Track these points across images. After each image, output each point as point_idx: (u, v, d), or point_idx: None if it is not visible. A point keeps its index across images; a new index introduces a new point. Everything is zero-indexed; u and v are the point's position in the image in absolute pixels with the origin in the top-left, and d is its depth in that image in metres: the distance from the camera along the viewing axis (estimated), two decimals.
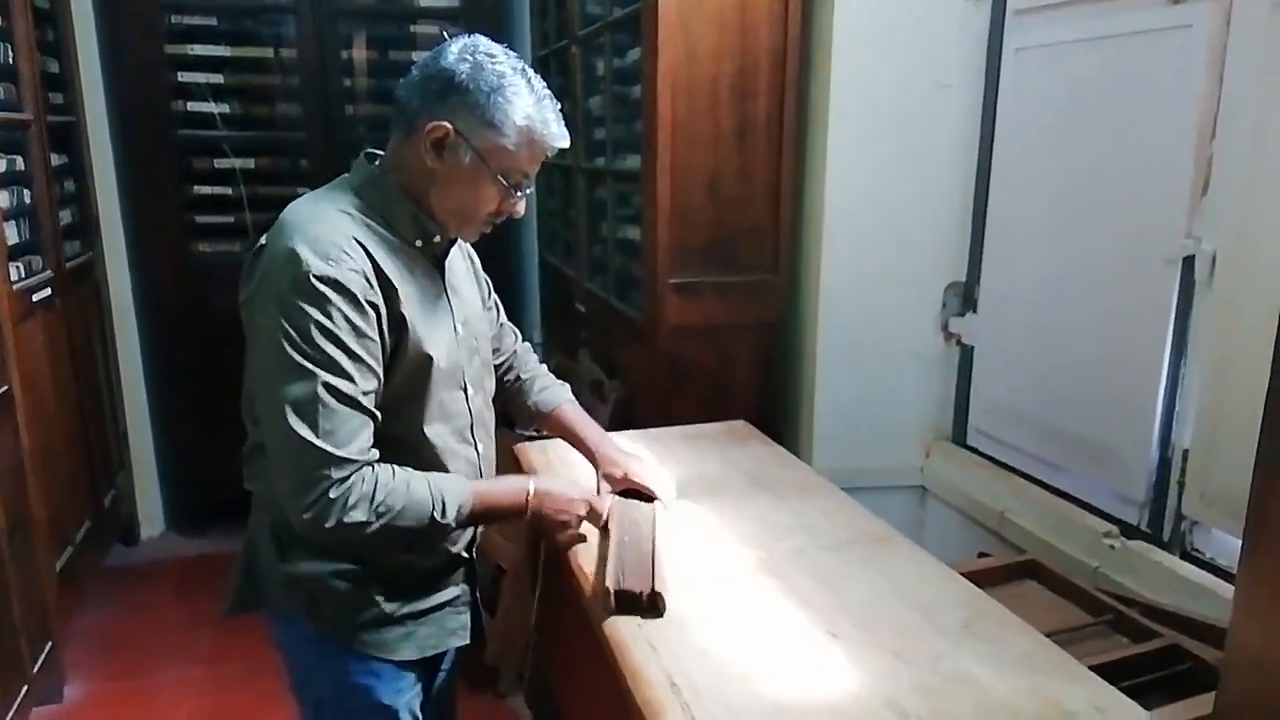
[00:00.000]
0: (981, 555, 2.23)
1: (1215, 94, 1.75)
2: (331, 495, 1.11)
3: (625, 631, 1.13)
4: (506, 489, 1.33)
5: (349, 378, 1.12)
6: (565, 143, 1.25)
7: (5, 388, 2.31)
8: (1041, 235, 2.22)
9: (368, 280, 1.15)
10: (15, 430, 2.36)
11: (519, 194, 1.25)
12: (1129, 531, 1.98)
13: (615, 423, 2.50)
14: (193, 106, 3.41)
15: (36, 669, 2.40)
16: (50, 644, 2.49)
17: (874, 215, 2.44)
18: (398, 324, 1.19)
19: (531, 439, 1.79)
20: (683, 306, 2.39)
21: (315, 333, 1.10)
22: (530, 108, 1.20)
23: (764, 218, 2.42)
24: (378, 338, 1.16)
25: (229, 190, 3.47)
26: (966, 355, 2.52)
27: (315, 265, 1.11)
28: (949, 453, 2.53)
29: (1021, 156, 2.30)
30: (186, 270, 3.47)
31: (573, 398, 1.63)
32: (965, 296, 2.52)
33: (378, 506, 1.14)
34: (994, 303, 2.41)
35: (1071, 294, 2.13)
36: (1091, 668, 1.53)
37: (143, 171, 3.40)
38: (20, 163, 2.70)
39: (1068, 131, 2.13)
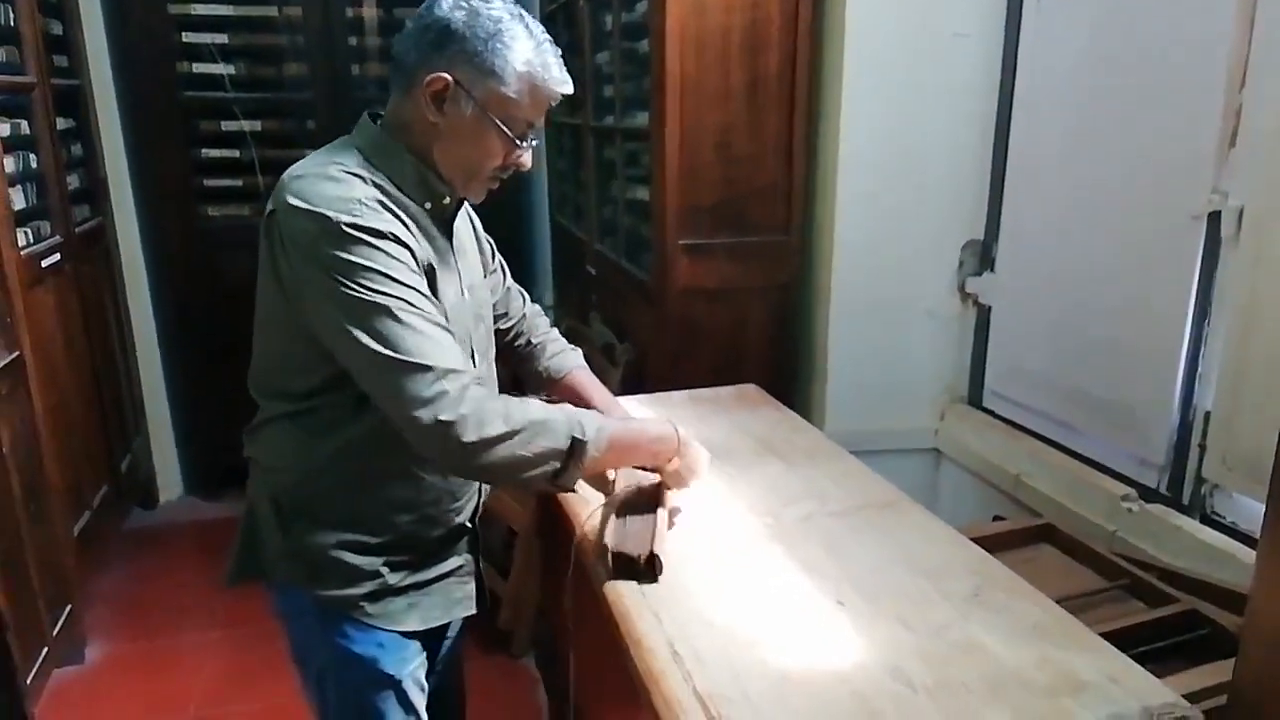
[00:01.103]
0: (996, 519, 2.20)
1: (1246, 40, 1.68)
2: (461, 411, 1.05)
3: (629, 600, 1.12)
4: (645, 424, 1.31)
5: (414, 304, 1.08)
6: (568, 88, 1.20)
7: (16, 354, 2.32)
8: (1062, 192, 2.16)
9: (400, 228, 1.13)
10: (28, 396, 2.37)
11: (525, 145, 1.21)
12: (1148, 495, 1.94)
13: (626, 386, 2.48)
14: (198, 68, 3.37)
15: (56, 632, 2.44)
16: (69, 607, 2.53)
17: (889, 173, 2.38)
18: (427, 274, 1.17)
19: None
20: (693, 268, 2.35)
21: (363, 275, 1.07)
22: (530, 53, 1.15)
23: (775, 176, 2.36)
24: (422, 276, 1.14)
25: (237, 153, 3.44)
26: (983, 316, 2.47)
27: (343, 218, 1.08)
28: (964, 415, 2.49)
29: (1042, 110, 2.22)
30: (197, 234, 3.46)
31: (584, 363, 1.60)
32: (983, 256, 2.46)
33: (511, 416, 1.08)
34: (1012, 262, 2.36)
35: (1092, 253, 2.07)
36: (1107, 633, 1.51)
37: (150, 135, 3.37)
38: (25, 127, 2.68)
39: (1090, 83, 2.05)
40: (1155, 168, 1.89)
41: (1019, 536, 1.93)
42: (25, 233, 2.59)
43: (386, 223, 1.11)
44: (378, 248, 1.08)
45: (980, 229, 2.45)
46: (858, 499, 1.39)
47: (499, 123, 1.16)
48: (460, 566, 1.38)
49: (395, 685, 1.33)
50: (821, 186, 2.45)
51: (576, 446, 1.12)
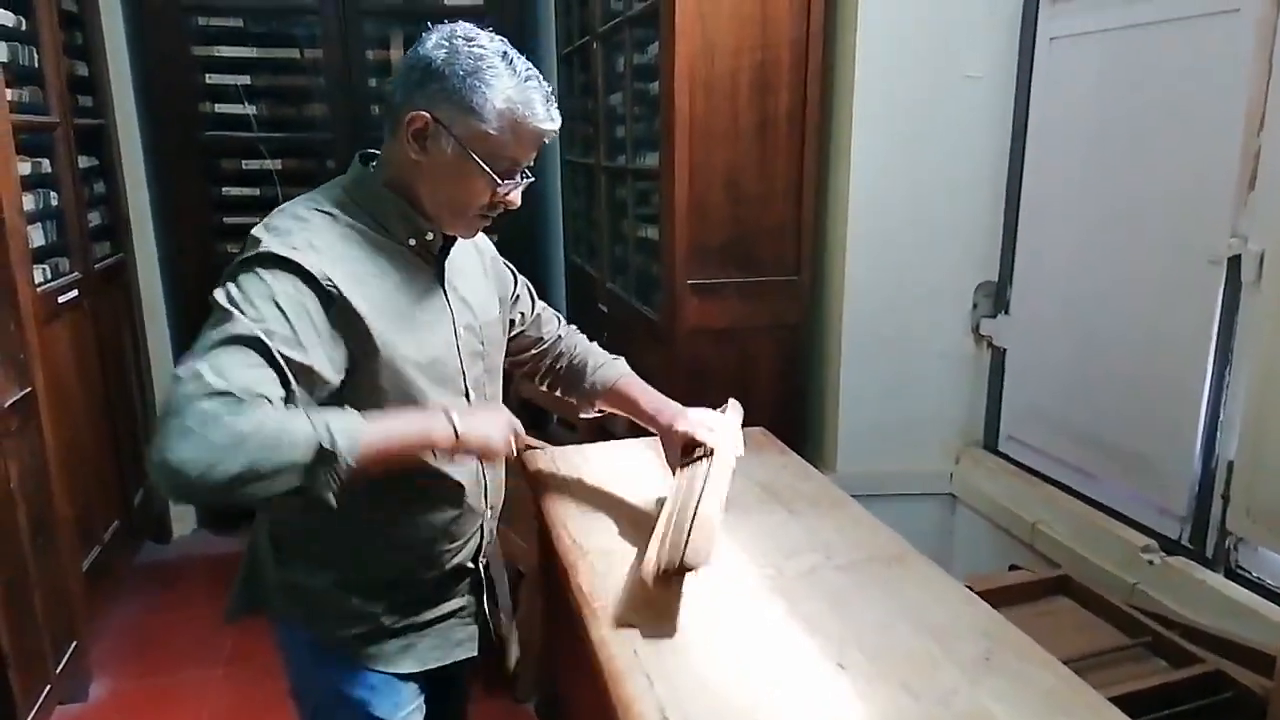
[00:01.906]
0: (1013, 568, 2.14)
1: (1264, 82, 1.65)
2: (204, 405, 0.94)
3: (621, 660, 1.08)
4: (409, 415, 1.15)
5: (272, 335, 1.01)
6: (552, 125, 1.17)
7: (28, 390, 2.33)
8: (1078, 233, 2.13)
9: (330, 280, 1.09)
10: (39, 431, 2.37)
11: (511, 183, 1.19)
12: (1169, 547, 1.88)
13: (633, 428, 2.45)
14: (221, 108, 3.43)
15: (60, 668, 2.43)
16: (75, 643, 2.52)
17: (900, 213, 2.36)
18: (362, 330, 1.11)
19: (595, 417, 1.72)
20: (701, 308, 2.34)
21: (253, 292, 1.04)
22: (511, 89, 1.13)
23: (785, 216, 2.35)
24: (331, 330, 1.08)
25: (257, 191, 3.48)
26: (998, 358, 2.43)
27: (275, 246, 1.08)
28: (979, 459, 2.44)
29: (1056, 151, 2.20)
30: (216, 270, 3.47)
31: (629, 370, 1.58)
32: (997, 297, 2.43)
33: (246, 419, 0.95)
34: (1027, 303, 2.32)
35: (1109, 295, 2.03)
36: (1127, 695, 1.46)
37: (172, 173, 3.43)
38: (47, 165, 2.72)
39: (1105, 124, 2.03)
40: (1172, 210, 1.85)
41: (1035, 588, 1.88)
42: (43, 269, 2.63)
43: (318, 263, 1.08)
44: (284, 278, 1.06)
45: (994, 270, 2.42)
46: (863, 551, 1.34)
47: (481, 160, 1.15)
48: (461, 608, 1.36)
49: None
50: (832, 226, 2.43)
51: (323, 456, 0.99)
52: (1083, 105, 2.08)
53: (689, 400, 2.40)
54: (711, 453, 1.42)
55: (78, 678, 2.54)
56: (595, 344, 1.62)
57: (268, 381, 1.00)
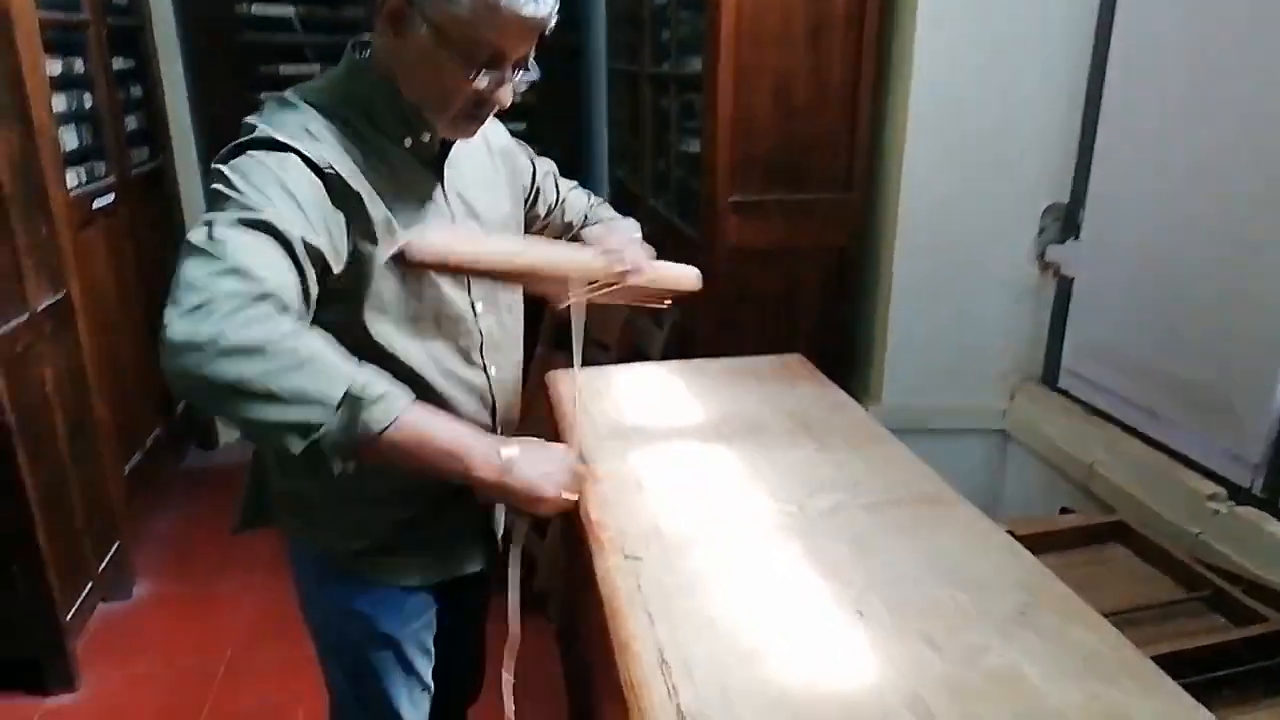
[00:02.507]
0: (1064, 511, 2.02)
1: None
2: (222, 301, 0.84)
3: (623, 594, 1.01)
4: (463, 428, 1.04)
5: (282, 218, 0.93)
6: (535, 10, 1.03)
7: (63, 294, 2.33)
8: (1162, 156, 1.92)
9: (330, 165, 1.00)
10: (75, 336, 2.38)
11: (493, 76, 1.06)
12: (1238, 496, 1.73)
13: (669, 351, 2.36)
14: (259, 9, 3.33)
15: (103, 567, 2.49)
16: (117, 543, 2.57)
17: (965, 126, 2.17)
18: (364, 216, 1.04)
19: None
20: (743, 227, 2.20)
21: (256, 176, 0.95)
22: None
23: (838, 128, 2.18)
24: (334, 212, 1.01)
25: None
26: (1064, 287, 2.25)
27: (272, 132, 1.00)
28: (1036, 396, 2.29)
29: (1143, 61, 1.97)
30: None
31: (607, 212, 1.48)
32: (1067, 221, 2.23)
33: (276, 334, 0.86)
34: (1101, 229, 2.13)
35: (1194, 225, 1.84)
36: (1180, 652, 1.35)
37: (210, 77, 3.36)
38: (80, 65, 2.67)
39: (1198, 39, 1.80)
40: (1271, 125, 1.64)
41: (1088, 534, 1.76)
42: (77, 173, 2.59)
43: (315, 146, 1.00)
44: (281, 159, 0.98)
45: (1065, 191, 2.22)
46: (896, 491, 1.24)
47: (457, 47, 1.03)
48: (469, 524, 1.31)
49: (393, 645, 1.28)
50: (888, 140, 2.25)
51: (353, 405, 0.89)
52: (1174, 16, 1.85)
53: (728, 324, 2.30)
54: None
55: (121, 577, 2.61)
56: (587, 197, 1.52)
57: (285, 271, 0.91)
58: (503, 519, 1.37)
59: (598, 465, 1.29)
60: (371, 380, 0.93)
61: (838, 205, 2.24)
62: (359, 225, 1.04)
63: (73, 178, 2.53)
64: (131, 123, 3.04)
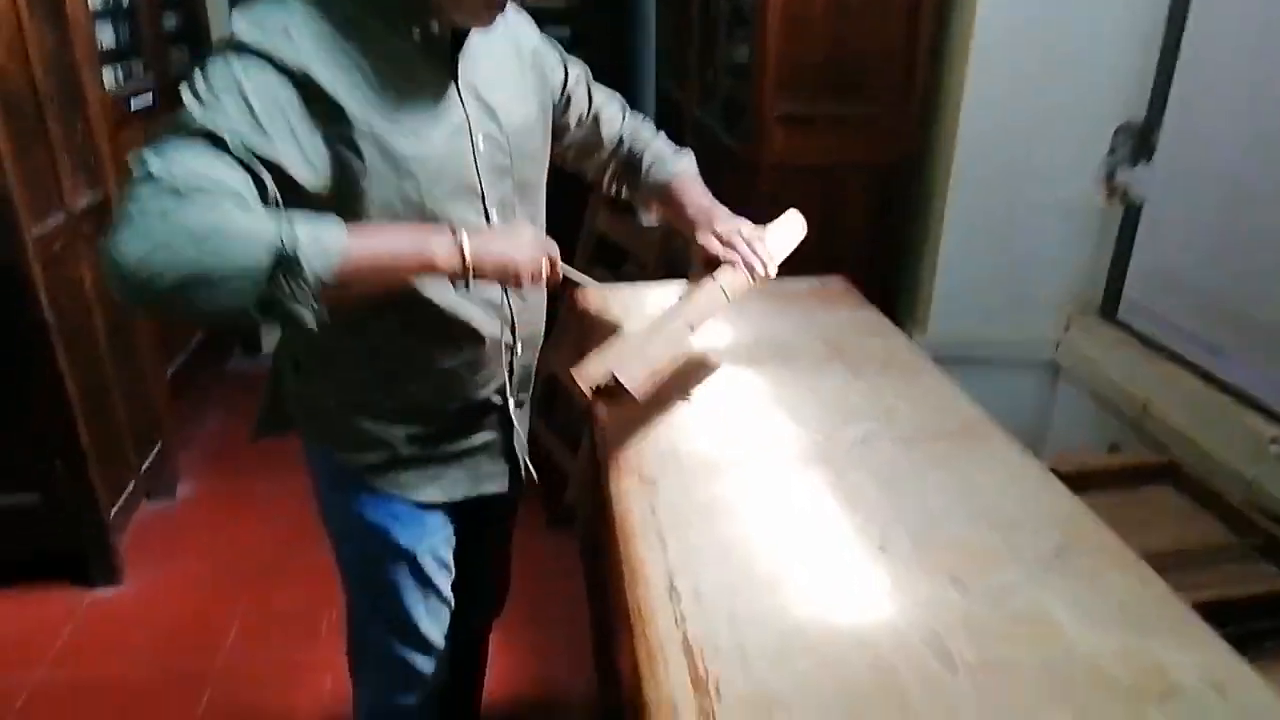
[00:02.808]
0: (1112, 449, 1.94)
1: None
2: (128, 224, 0.83)
3: (635, 516, 0.97)
4: (410, 229, 1.00)
5: (232, 128, 0.88)
6: None
7: (101, 194, 2.32)
8: (1252, 68, 1.75)
9: (305, 70, 0.94)
10: None
11: None
12: None
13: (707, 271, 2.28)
14: None
15: (146, 466, 2.55)
16: (159, 444, 2.63)
17: (1035, 36, 2.01)
18: (345, 124, 0.96)
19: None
20: (791, 141, 2.09)
21: (218, 82, 0.90)
22: None
23: (896, 36, 2.03)
24: (310, 124, 0.94)
25: None
26: (1132, 213, 2.11)
27: (246, 33, 0.93)
28: (1092, 327, 2.18)
29: None
30: None
31: (690, 169, 1.40)
32: (1139, 142, 2.08)
33: (185, 221, 0.83)
34: (1177, 151, 1.98)
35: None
36: (1226, 600, 1.29)
37: None
38: None
39: None
40: None
41: (1137, 473, 1.68)
42: (114, 72, 2.56)
43: (292, 51, 0.93)
44: (253, 66, 0.92)
45: (1141, 108, 2.06)
46: (932, 422, 1.18)
47: None
48: (489, 443, 1.28)
49: (409, 559, 1.26)
50: (952, 50, 2.10)
51: (285, 264, 0.86)
52: None
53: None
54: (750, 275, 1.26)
55: (164, 477, 2.67)
56: (661, 135, 1.43)
57: (225, 174, 0.88)
58: (524, 436, 1.34)
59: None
60: (297, 229, 0.88)
61: (892, 119, 2.11)
62: (338, 134, 0.97)
63: (109, 78, 2.49)
64: (170, 21, 2.98)
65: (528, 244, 1.06)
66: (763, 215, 2.19)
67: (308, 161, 0.95)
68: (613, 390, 1.05)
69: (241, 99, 0.90)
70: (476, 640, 1.61)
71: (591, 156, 1.40)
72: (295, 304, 0.89)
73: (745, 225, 1.30)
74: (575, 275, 1.19)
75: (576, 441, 2.54)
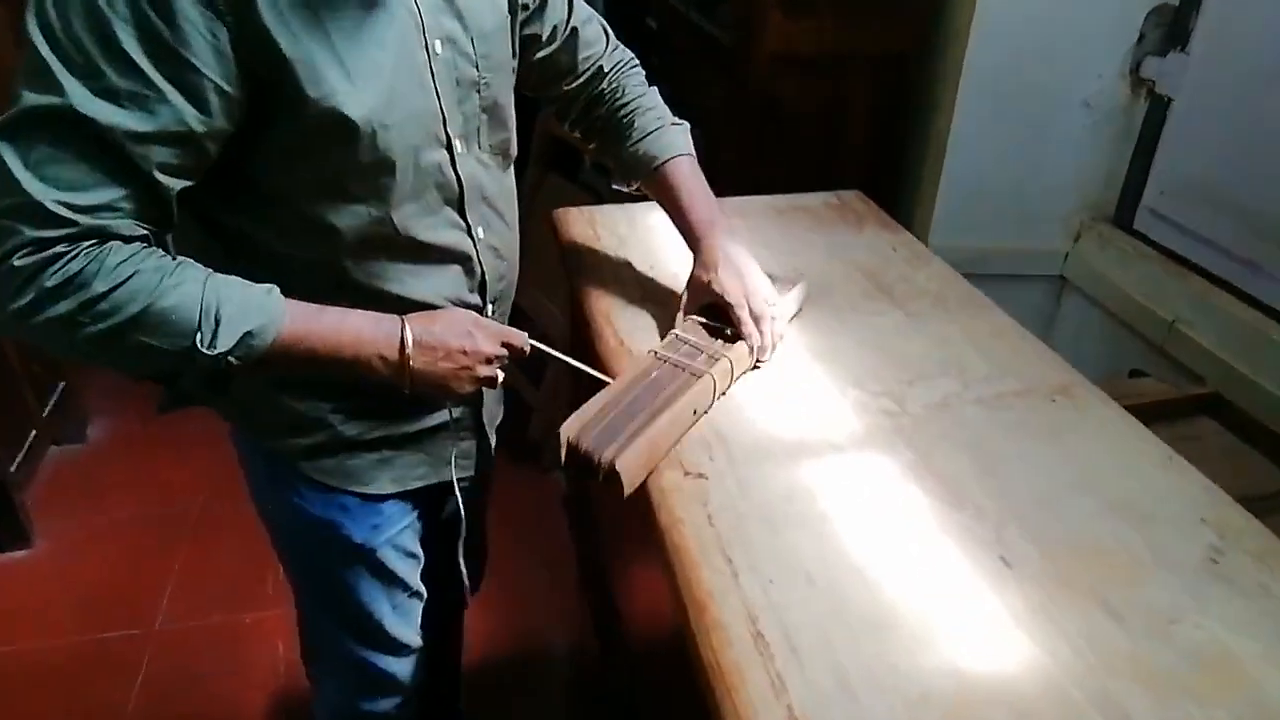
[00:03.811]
0: (1134, 374, 1.80)
1: None
2: (16, 263, 0.68)
3: (691, 527, 0.76)
4: (354, 325, 0.83)
5: (115, 100, 0.67)
6: None
7: None
8: None
9: None
10: None
11: None
12: None
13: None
14: None
15: (48, 411, 2.24)
16: (63, 384, 2.31)
17: None
18: (267, 49, 0.72)
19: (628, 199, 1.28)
20: (788, 28, 1.81)
21: (82, 24, 0.65)
22: None
23: None
24: (211, 61, 0.69)
25: None
26: (1158, 109, 1.91)
27: None
28: (1107, 238, 2.01)
29: None
30: None
31: (687, 146, 1.12)
32: (1172, 28, 1.86)
33: (93, 298, 0.70)
34: (1215, 39, 1.77)
35: None
36: None
37: None
38: None
39: None
40: None
41: (1173, 407, 1.54)
42: None
43: None
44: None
45: None
46: (1012, 377, 0.98)
47: None
48: (456, 419, 1.04)
49: (366, 556, 1.04)
50: None
51: (196, 357, 0.75)
52: None
53: (761, 149, 1.96)
54: (732, 340, 1.00)
55: (72, 419, 2.36)
56: (653, 90, 1.15)
57: (107, 184, 0.69)
58: (497, 409, 1.10)
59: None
60: (221, 320, 0.75)
61: (901, 4, 1.85)
62: (255, 58, 0.72)
63: None
64: None
65: (482, 350, 0.89)
66: (750, 115, 1.94)
67: (222, 109, 0.72)
68: (595, 469, 0.83)
69: (110, 51, 0.66)
70: (451, 621, 1.41)
71: (557, 83, 1.10)
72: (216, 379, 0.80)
73: (764, 284, 1.04)
74: (551, 353, 0.96)
75: (539, 371, 2.31)
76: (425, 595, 1.15)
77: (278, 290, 0.79)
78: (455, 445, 1.05)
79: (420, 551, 1.11)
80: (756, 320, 1.00)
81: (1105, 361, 1.94)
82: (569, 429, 0.85)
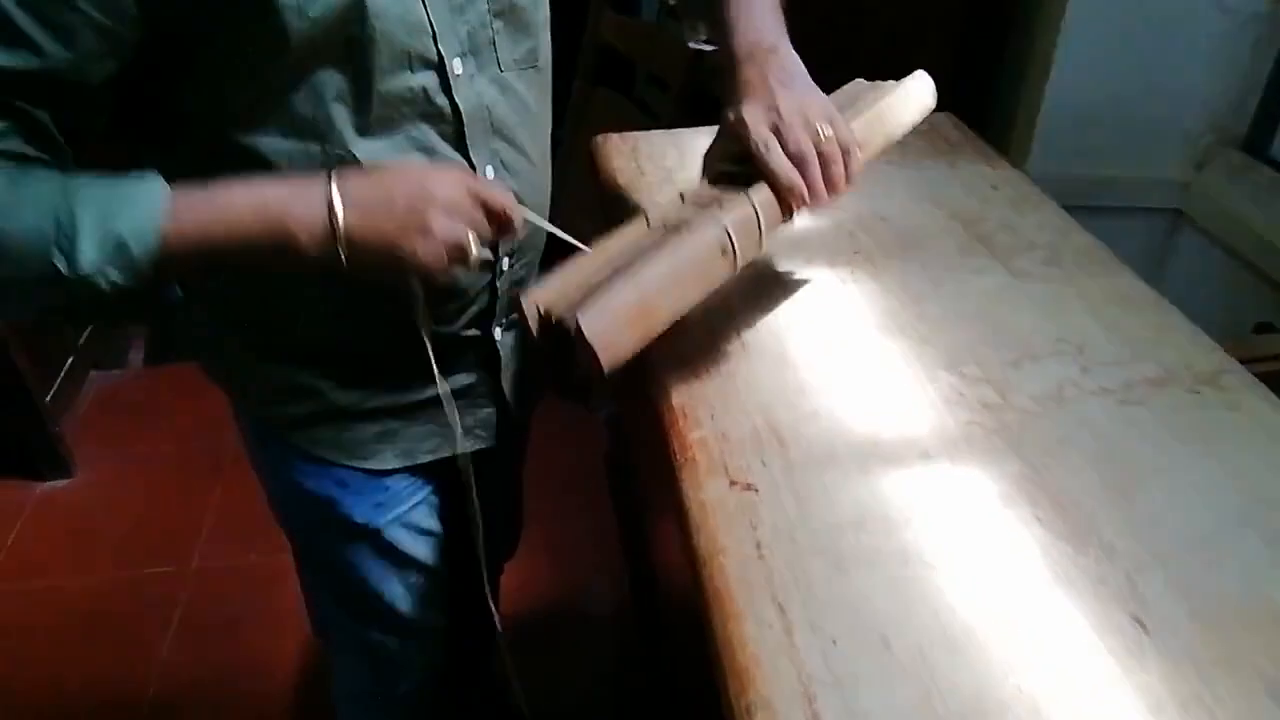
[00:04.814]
0: (1261, 329, 1.56)
1: None
2: None
3: (735, 560, 0.61)
4: (262, 196, 0.63)
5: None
6: None
7: None
8: None
9: None
10: None
11: None
12: None
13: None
14: None
15: (84, 337, 2.20)
16: None
17: None
18: None
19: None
20: None
21: None
22: None
23: None
24: None
25: None
26: None
27: None
28: (1237, 166, 1.74)
29: None
30: None
31: None
32: None
33: None
34: None
35: None
36: None
37: None
38: None
39: None
40: None
41: None
42: None
43: None
44: None
45: None
46: (1150, 362, 0.79)
47: None
48: (469, 386, 0.89)
49: (369, 535, 0.92)
50: None
51: (58, 283, 0.58)
52: None
53: (827, 55, 1.72)
54: (748, 181, 0.73)
55: (112, 343, 2.31)
56: None
57: None
58: (515, 375, 0.95)
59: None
60: (79, 221, 0.57)
61: None
62: None
63: None
64: None
65: (440, 191, 0.64)
66: (822, 23, 1.70)
67: (96, 49, 0.58)
68: (569, 340, 0.64)
69: None
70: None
71: None
72: (100, 302, 0.60)
73: (814, 104, 0.75)
74: (543, 225, 0.77)
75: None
76: (446, 572, 1.04)
77: (156, 176, 0.61)
78: (471, 414, 0.91)
79: (440, 527, 0.99)
80: (796, 158, 0.71)
81: (1224, 310, 1.70)
82: (538, 295, 0.67)
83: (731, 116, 0.75)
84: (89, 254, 0.57)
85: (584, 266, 0.71)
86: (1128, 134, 1.78)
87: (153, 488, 2.03)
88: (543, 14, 0.81)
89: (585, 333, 0.62)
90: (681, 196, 0.78)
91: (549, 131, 0.87)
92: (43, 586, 1.81)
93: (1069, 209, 1.06)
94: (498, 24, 0.74)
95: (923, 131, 1.23)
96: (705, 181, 0.79)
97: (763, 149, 0.71)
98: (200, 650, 1.69)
